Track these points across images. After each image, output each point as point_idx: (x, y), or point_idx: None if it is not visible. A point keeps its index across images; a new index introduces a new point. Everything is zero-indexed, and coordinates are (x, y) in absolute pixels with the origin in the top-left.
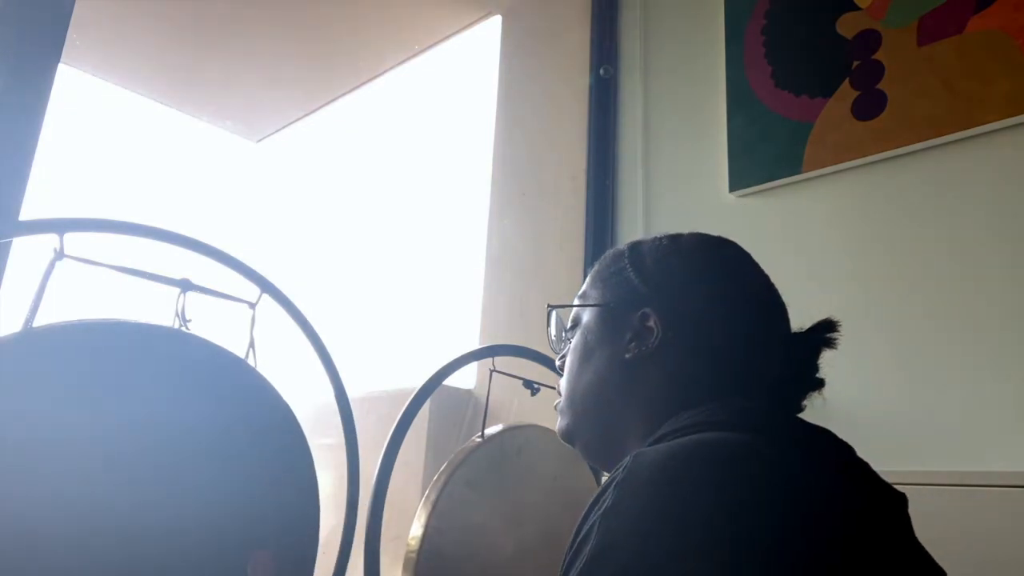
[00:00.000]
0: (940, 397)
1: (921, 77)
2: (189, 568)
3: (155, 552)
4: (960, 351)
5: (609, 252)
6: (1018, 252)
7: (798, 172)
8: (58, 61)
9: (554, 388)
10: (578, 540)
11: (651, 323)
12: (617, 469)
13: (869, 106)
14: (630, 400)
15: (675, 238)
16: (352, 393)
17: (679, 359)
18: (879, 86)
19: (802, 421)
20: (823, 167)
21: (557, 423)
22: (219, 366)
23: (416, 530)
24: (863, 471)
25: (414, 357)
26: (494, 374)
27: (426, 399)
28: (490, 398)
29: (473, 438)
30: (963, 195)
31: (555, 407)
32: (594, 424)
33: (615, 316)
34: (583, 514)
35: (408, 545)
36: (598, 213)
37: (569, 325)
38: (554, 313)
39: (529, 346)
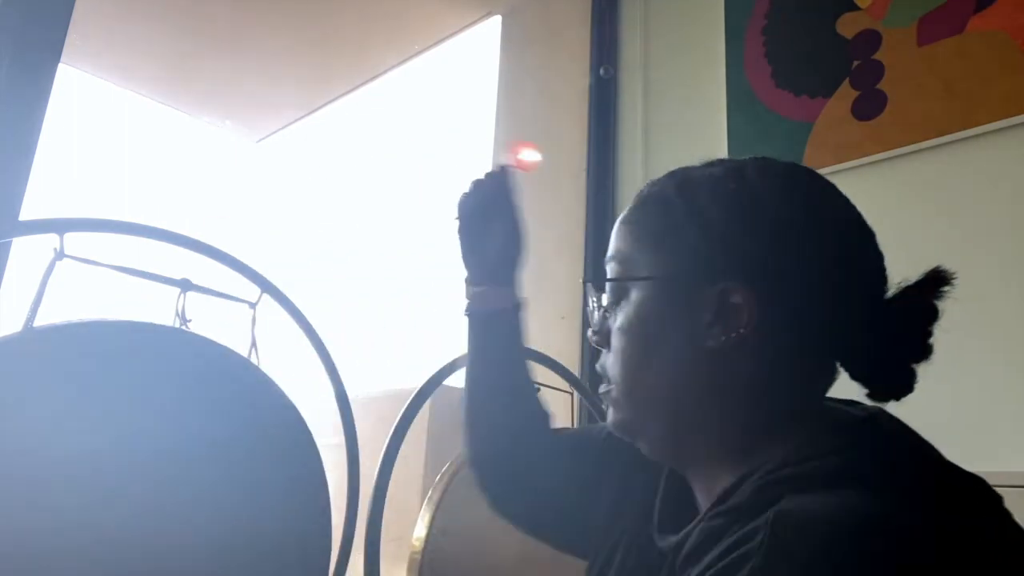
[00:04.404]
0: (940, 397)
1: (921, 77)
2: (197, 568)
3: (162, 551)
4: (961, 351)
5: (647, 195)
6: (1019, 251)
7: None
8: (58, 61)
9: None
10: None
11: (737, 299)
12: (743, 542)
13: (869, 106)
14: (714, 400)
15: (738, 172)
16: (352, 393)
17: (774, 342)
18: (879, 86)
19: (890, 450)
20: (823, 167)
21: (610, 414)
22: (222, 366)
23: (420, 531)
24: None
25: (414, 357)
26: None
27: (426, 399)
28: None
29: None
30: (963, 195)
31: (603, 394)
32: (664, 424)
33: (680, 291)
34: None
35: (412, 546)
36: (598, 213)
37: (609, 296)
38: (592, 291)
39: (529, 346)
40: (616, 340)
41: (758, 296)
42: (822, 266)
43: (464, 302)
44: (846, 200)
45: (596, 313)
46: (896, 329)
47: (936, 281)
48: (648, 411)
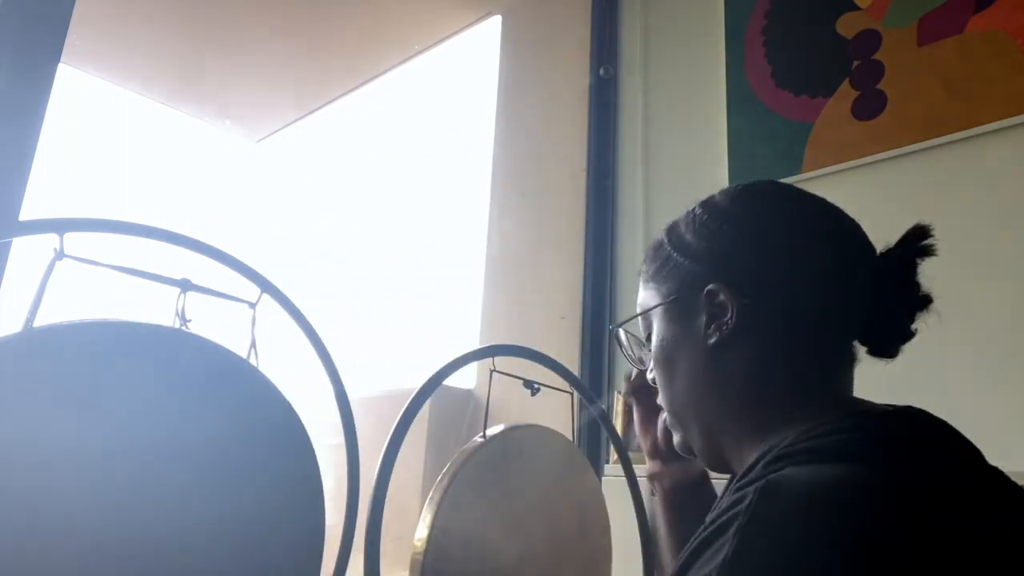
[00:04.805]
0: (941, 397)
1: (921, 77)
2: (191, 571)
3: (157, 555)
4: (961, 350)
5: (648, 249)
6: (1019, 252)
7: (798, 172)
8: (58, 61)
9: (554, 388)
10: None
11: (721, 298)
12: (738, 503)
13: (869, 106)
14: (725, 389)
15: (705, 203)
16: (352, 393)
17: (765, 327)
18: (879, 86)
19: (906, 433)
20: (823, 167)
21: (674, 441)
22: (221, 367)
23: (421, 531)
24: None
25: (414, 357)
26: (494, 374)
27: (426, 399)
28: (490, 398)
29: (475, 438)
30: (963, 195)
31: (666, 424)
32: (699, 428)
33: (680, 308)
34: (693, 545)
35: (414, 547)
36: (598, 213)
37: (644, 337)
38: (622, 333)
39: (529, 346)
40: (655, 372)
41: (734, 289)
42: (786, 249)
43: (646, 475)
44: (805, 193)
45: (638, 360)
46: (884, 284)
47: (917, 235)
48: (687, 422)
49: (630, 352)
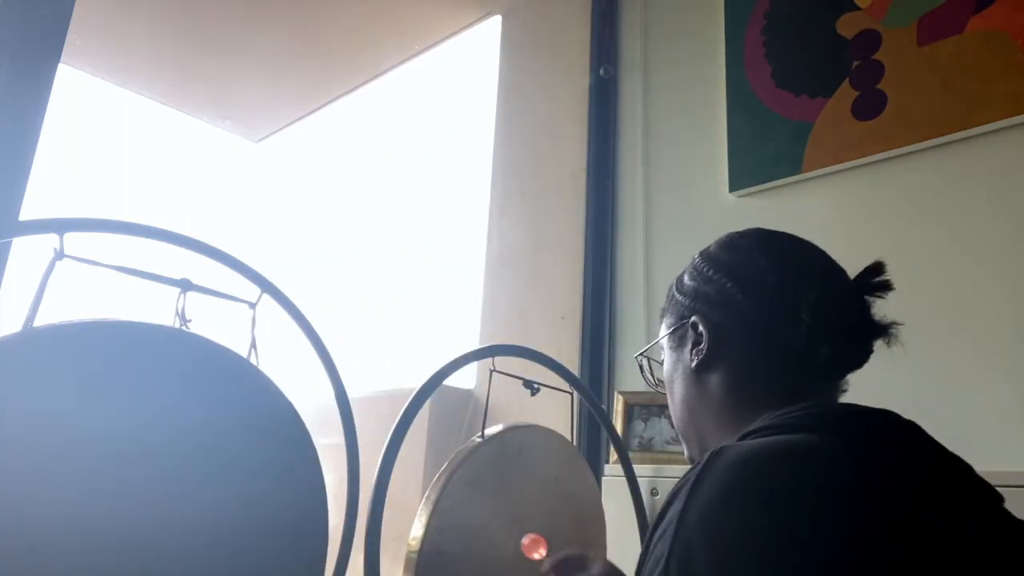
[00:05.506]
0: (940, 396)
1: (921, 77)
2: (192, 570)
3: (157, 555)
4: (961, 350)
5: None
6: (1018, 251)
7: (798, 172)
8: (58, 61)
9: (554, 388)
10: (655, 540)
11: (700, 327)
12: (696, 465)
13: (869, 106)
14: (707, 405)
15: (702, 251)
16: (352, 393)
17: (733, 348)
18: (879, 86)
19: (860, 410)
20: (823, 167)
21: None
22: (221, 366)
23: (417, 530)
24: (935, 452)
25: (414, 357)
26: (494, 374)
27: (426, 399)
28: (490, 398)
29: (473, 438)
30: (963, 195)
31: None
32: (696, 440)
33: (676, 338)
34: (664, 506)
35: (409, 545)
36: (598, 213)
37: (661, 364)
38: (645, 361)
39: (529, 346)
40: (666, 394)
41: (708, 319)
42: (742, 282)
43: None
44: (776, 237)
45: (654, 381)
46: (830, 316)
47: (870, 273)
48: (688, 436)
49: (650, 378)
